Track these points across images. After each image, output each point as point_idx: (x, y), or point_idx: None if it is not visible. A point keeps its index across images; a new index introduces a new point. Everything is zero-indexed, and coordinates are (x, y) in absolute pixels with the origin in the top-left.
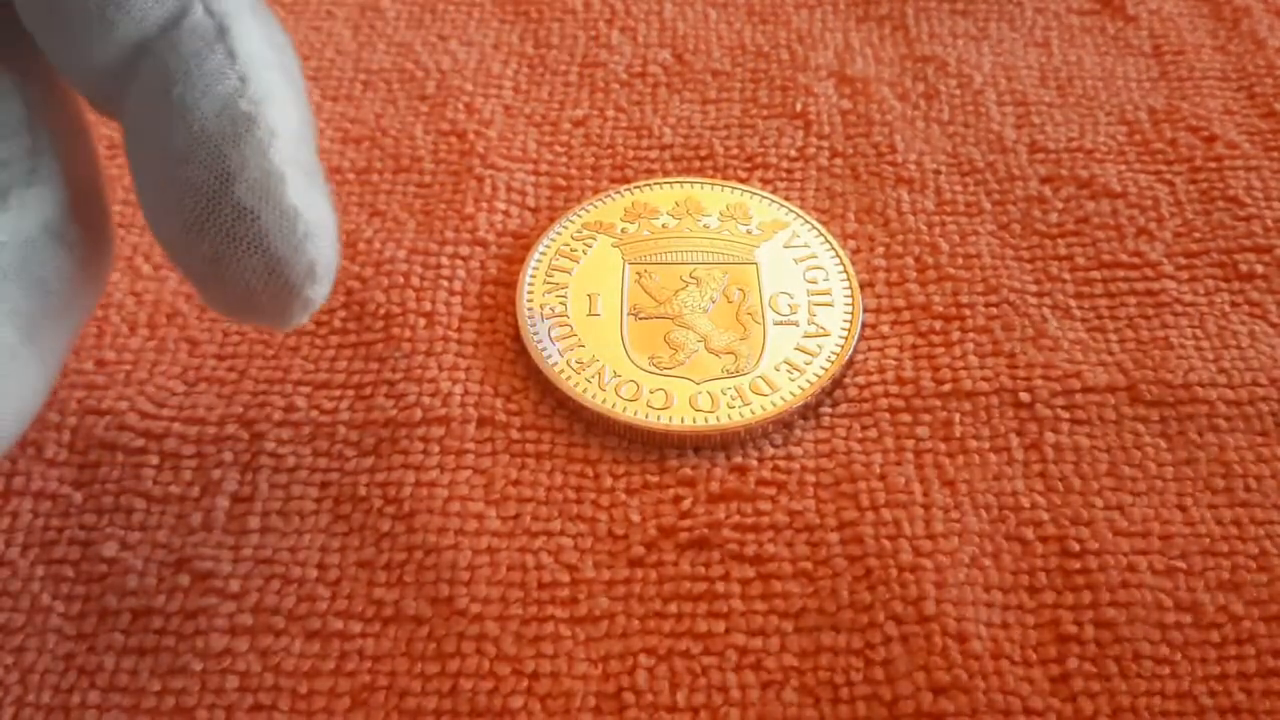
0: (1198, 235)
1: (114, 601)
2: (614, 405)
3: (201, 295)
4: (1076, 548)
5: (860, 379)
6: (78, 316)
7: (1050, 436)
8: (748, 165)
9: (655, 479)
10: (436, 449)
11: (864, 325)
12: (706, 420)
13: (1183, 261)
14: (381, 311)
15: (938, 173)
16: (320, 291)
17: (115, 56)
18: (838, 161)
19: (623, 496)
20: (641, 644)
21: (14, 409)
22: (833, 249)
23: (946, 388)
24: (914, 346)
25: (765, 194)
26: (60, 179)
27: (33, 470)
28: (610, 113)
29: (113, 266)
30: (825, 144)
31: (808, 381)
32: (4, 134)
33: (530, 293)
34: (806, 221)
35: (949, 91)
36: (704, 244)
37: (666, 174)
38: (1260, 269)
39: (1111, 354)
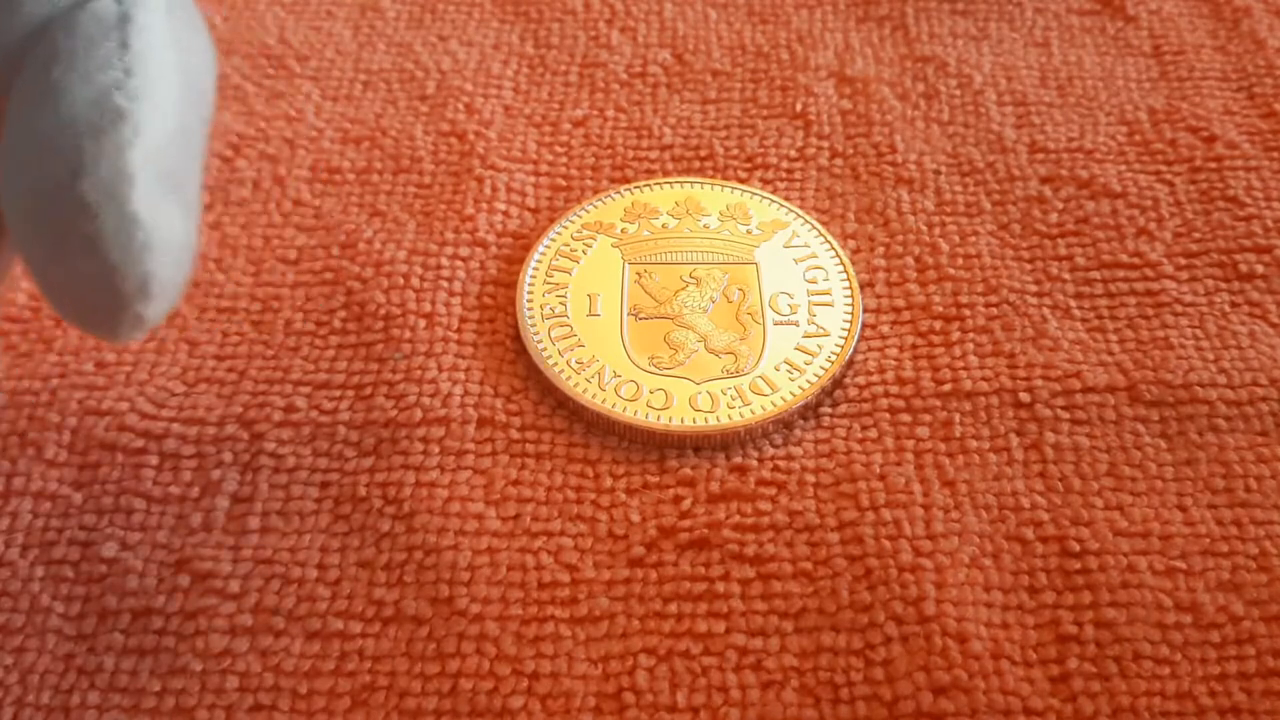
0: (1198, 235)
1: (114, 602)
2: (614, 405)
3: (44, 296)
4: (1076, 548)
5: (860, 379)
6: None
7: (1050, 436)
8: (748, 165)
9: (655, 479)
10: (436, 449)
11: (864, 325)
12: (706, 420)
13: (1183, 262)
14: (381, 312)
15: (938, 173)
16: (153, 309)
17: (18, 37)
18: (838, 161)
19: (623, 496)
20: (641, 644)
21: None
22: (833, 249)
23: (946, 388)
24: (914, 346)
25: (765, 194)
26: None
27: (33, 471)
28: (610, 113)
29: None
30: (825, 144)
31: (808, 381)
32: None
33: (530, 293)
34: (806, 221)
35: (949, 91)
36: (704, 244)
37: (666, 174)
38: (1260, 269)
39: (1111, 354)
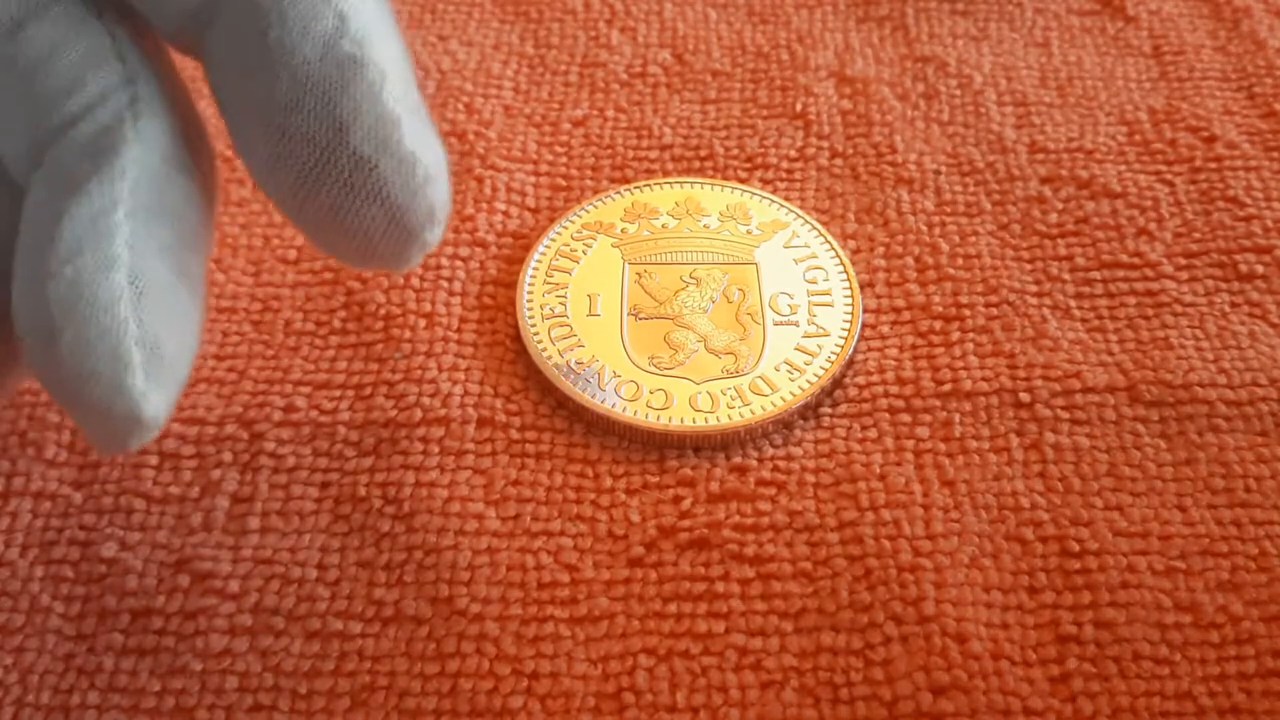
0: (1197, 235)
1: (113, 602)
2: (614, 405)
3: (314, 243)
4: (1076, 548)
5: (860, 379)
6: (206, 246)
7: (1050, 437)
8: (748, 165)
9: (655, 479)
10: (436, 449)
11: (864, 325)
12: (706, 420)
13: (1183, 262)
14: (381, 312)
15: (938, 173)
16: (438, 234)
17: None
18: (838, 162)
19: (623, 496)
20: (641, 644)
21: (185, 345)
22: (833, 249)
23: (946, 388)
24: (914, 347)
25: (765, 194)
26: (162, 106)
27: (32, 471)
28: (610, 113)
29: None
30: (825, 144)
31: (808, 382)
32: (95, 62)
33: (530, 293)
34: (806, 222)
35: (949, 92)
36: (704, 244)
37: (666, 174)
38: (1260, 269)
39: (1111, 354)
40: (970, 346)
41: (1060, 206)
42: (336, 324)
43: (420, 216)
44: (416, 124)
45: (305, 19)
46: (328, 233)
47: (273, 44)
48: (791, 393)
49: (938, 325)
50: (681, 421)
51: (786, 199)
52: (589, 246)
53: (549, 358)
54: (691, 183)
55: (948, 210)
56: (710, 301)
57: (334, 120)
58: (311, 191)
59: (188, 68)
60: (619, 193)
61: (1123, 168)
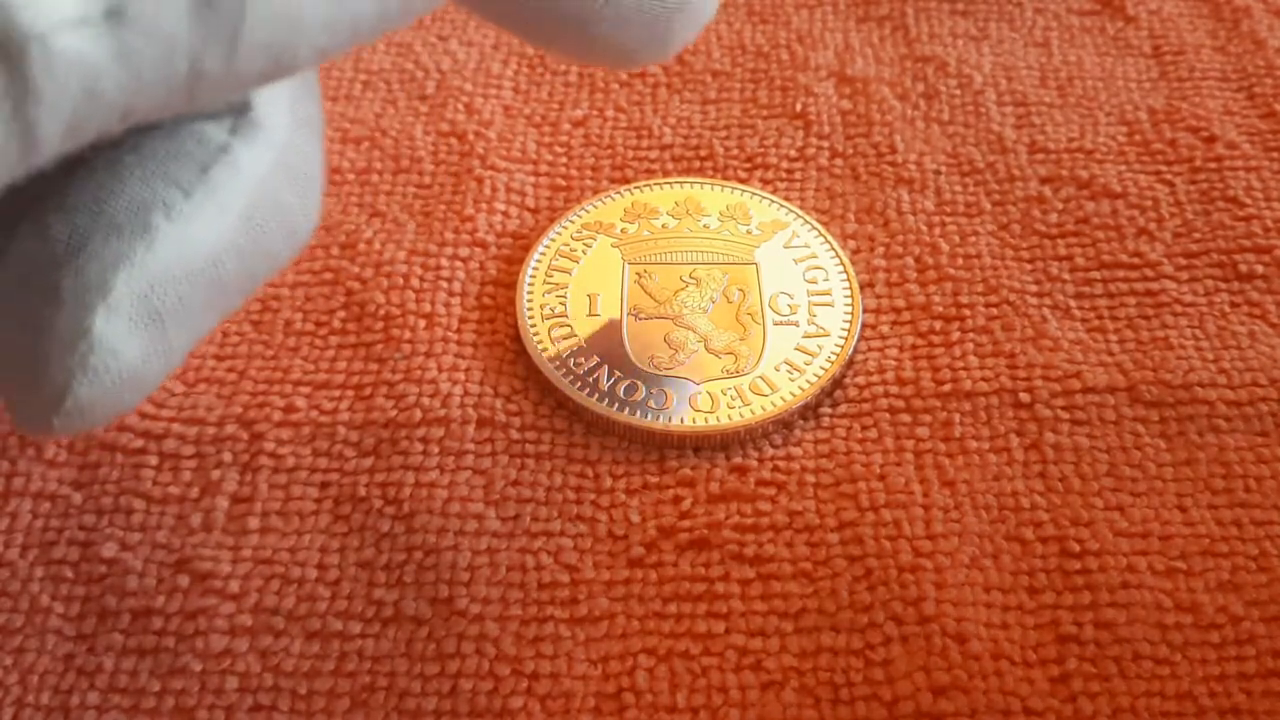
0: (1197, 236)
1: (113, 602)
2: (614, 405)
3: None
4: (1076, 548)
5: (860, 379)
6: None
7: (1050, 437)
8: (748, 165)
9: (655, 479)
10: (436, 449)
11: (864, 325)
12: (706, 420)
13: (1182, 262)
14: (381, 312)
15: (938, 173)
16: (65, 422)
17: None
18: (838, 162)
19: (623, 497)
20: (641, 644)
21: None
22: (833, 249)
23: (946, 388)
24: (914, 347)
25: (765, 194)
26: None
27: (32, 471)
28: (610, 113)
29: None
30: (825, 144)
31: (808, 382)
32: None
33: (530, 293)
34: (806, 222)
35: (949, 92)
36: (704, 244)
37: (666, 174)
38: (1260, 269)
39: (1111, 354)
40: (970, 346)
41: (1060, 206)
42: (336, 324)
43: (50, 390)
44: (134, 320)
45: (159, 174)
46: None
47: (123, 165)
48: (791, 393)
49: (938, 325)
50: (681, 421)
51: (786, 199)
52: (589, 246)
53: (549, 358)
54: (691, 183)
55: (948, 210)
56: (710, 301)
57: (91, 251)
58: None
59: None
60: (619, 193)
61: (1123, 168)
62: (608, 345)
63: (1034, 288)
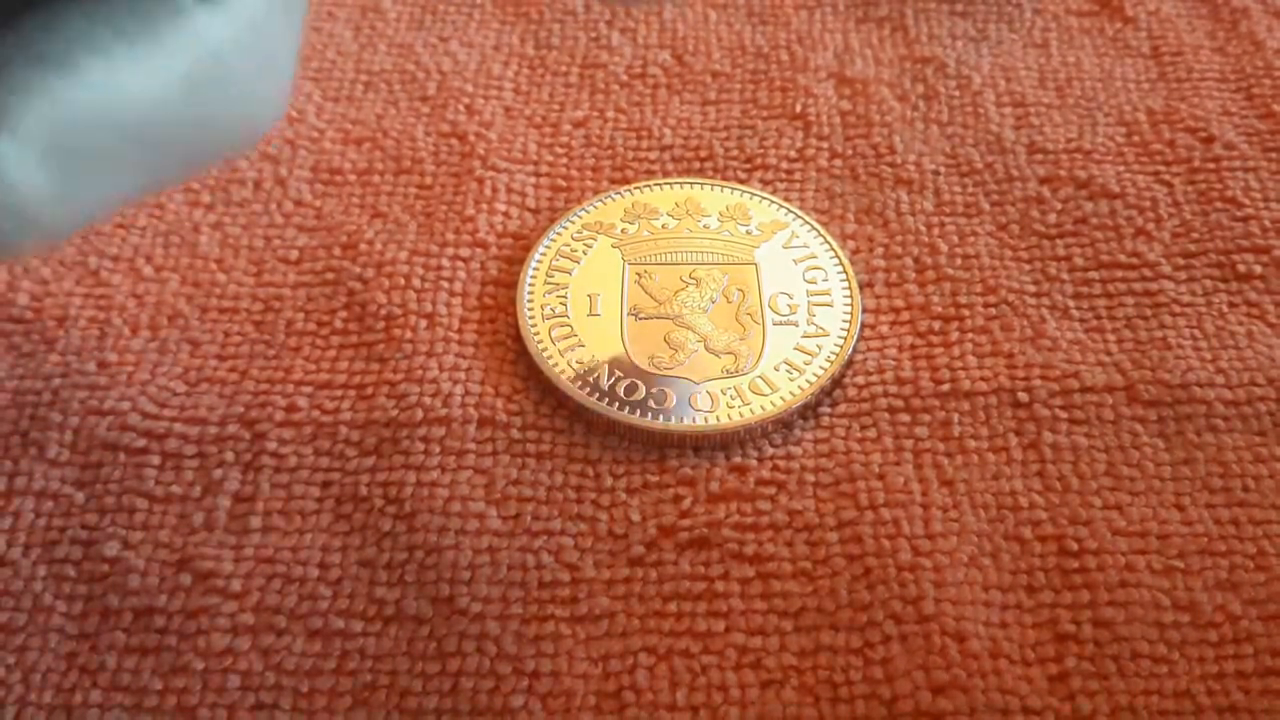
0: (1196, 236)
1: (116, 601)
2: (614, 405)
3: None
4: (1075, 547)
5: (859, 379)
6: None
7: (1048, 436)
8: (747, 166)
9: (655, 479)
10: (437, 449)
11: (863, 325)
12: (706, 420)
13: (1181, 262)
14: (383, 313)
15: (937, 173)
16: None
17: None
18: (837, 162)
19: (623, 496)
20: (641, 643)
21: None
22: (832, 249)
23: (945, 388)
24: (913, 346)
25: (765, 195)
26: None
27: (35, 470)
28: (610, 114)
29: None
30: (825, 145)
31: (807, 381)
32: None
33: (531, 293)
34: (806, 222)
35: (948, 93)
36: (704, 244)
37: (666, 175)
38: (1258, 269)
39: (1110, 354)
40: (969, 346)
41: (1059, 207)
42: (338, 324)
43: None
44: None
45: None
46: None
47: None
48: (791, 392)
49: (937, 325)
50: (681, 421)
51: (786, 199)
52: (589, 247)
53: (549, 358)
54: (691, 183)
55: (946, 211)
56: (710, 301)
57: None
58: None
59: None
60: (619, 193)
61: (1121, 168)
62: (608, 345)
63: (1032, 288)
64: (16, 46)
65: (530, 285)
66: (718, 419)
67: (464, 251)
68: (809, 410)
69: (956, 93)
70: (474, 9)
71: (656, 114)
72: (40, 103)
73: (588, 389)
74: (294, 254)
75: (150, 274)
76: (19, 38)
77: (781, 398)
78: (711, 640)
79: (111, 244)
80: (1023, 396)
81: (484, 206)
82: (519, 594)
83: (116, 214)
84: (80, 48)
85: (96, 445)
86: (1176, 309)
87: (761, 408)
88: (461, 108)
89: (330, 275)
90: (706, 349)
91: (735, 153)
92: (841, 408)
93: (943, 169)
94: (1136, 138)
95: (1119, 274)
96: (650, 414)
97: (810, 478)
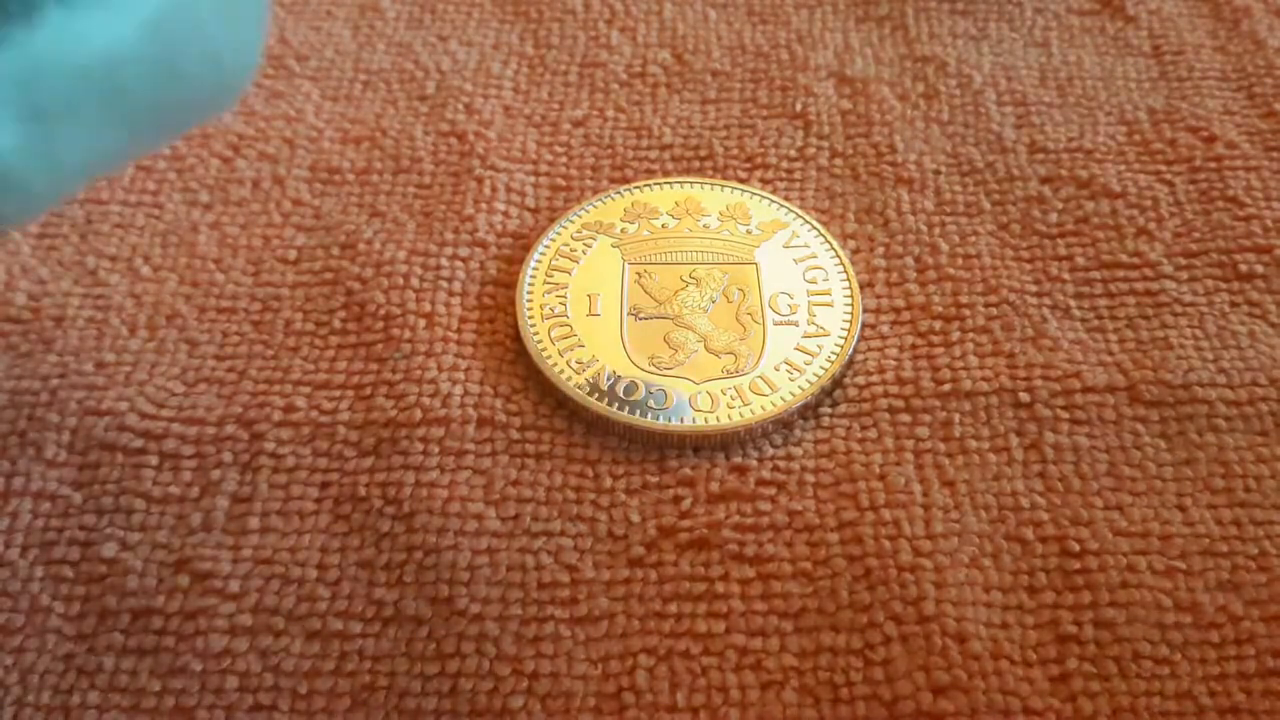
0: (1197, 235)
1: (114, 602)
2: (614, 405)
3: None
4: (1076, 548)
5: (860, 379)
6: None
7: (1050, 436)
8: (748, 165)
9: (655, 479)
10: (436, 449)
11: (864, 325)
12: (706, 420)
13: (1182, 262)
14: (381, 312)
15: (937, 173)
16: None
17: None
18: (838, 162)
19: (623, 496)
20: (641, 644)
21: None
22: (832, 249)
23: (946, 388)
24: (914, 346)
25: (765, 194)
26: None
27: (32, 471)
28: (610, 113)
29: None
30: (825, 144)
31: (808, 381)
32: None
33: (530, 293)
34: (806, 222)
35: (949, 92)
36: (704, 244)
37: (666, 174)
38: (1260, 269)
39: (1111, 354)
40: (970, 346)
41: (1060, 206)
42: (336, 324)
43: None
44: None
45: None
46: None
47: None
48: (791, 393)
49: (937, 325)
50: (681, 421)
51: (786, 199)
52: (589, 246)
53: (549, 358)
54: (691, 183)
55: (947, 210)
56: (710, 301)
57: None
58: None
59: None
60: (619, 193)
61: (1122, 168)
62: (608, 345)
63: (1034, 287)
64: None
65: (530, 285)
66: (718, 419)
67: (463, 251)
68: (809, 410)
69: (957, 92)
70: (473, 8)
71: (656, 113)
72: (3, 56)
73: (587, 389)
74: (292, 254)
75: (148, 274)
76: None
77: (782, 398)
78: (711, 641)
79: (109, 244)
80: (1024, 397)
81: (483, 206)
82: (518, 595)
83: (114, 215)
84: None
85: (94, 446)
86: (1178, 309)
87: (762, 408)
88: (460, 107)
89: (329, 275)
90: (706, 349)
91: (735, 152)
92: (842, 408)
93: (944, 168)
94: (1138, 137)
95: (1120, 274)
96: (650, 414)
97: (811, 478)
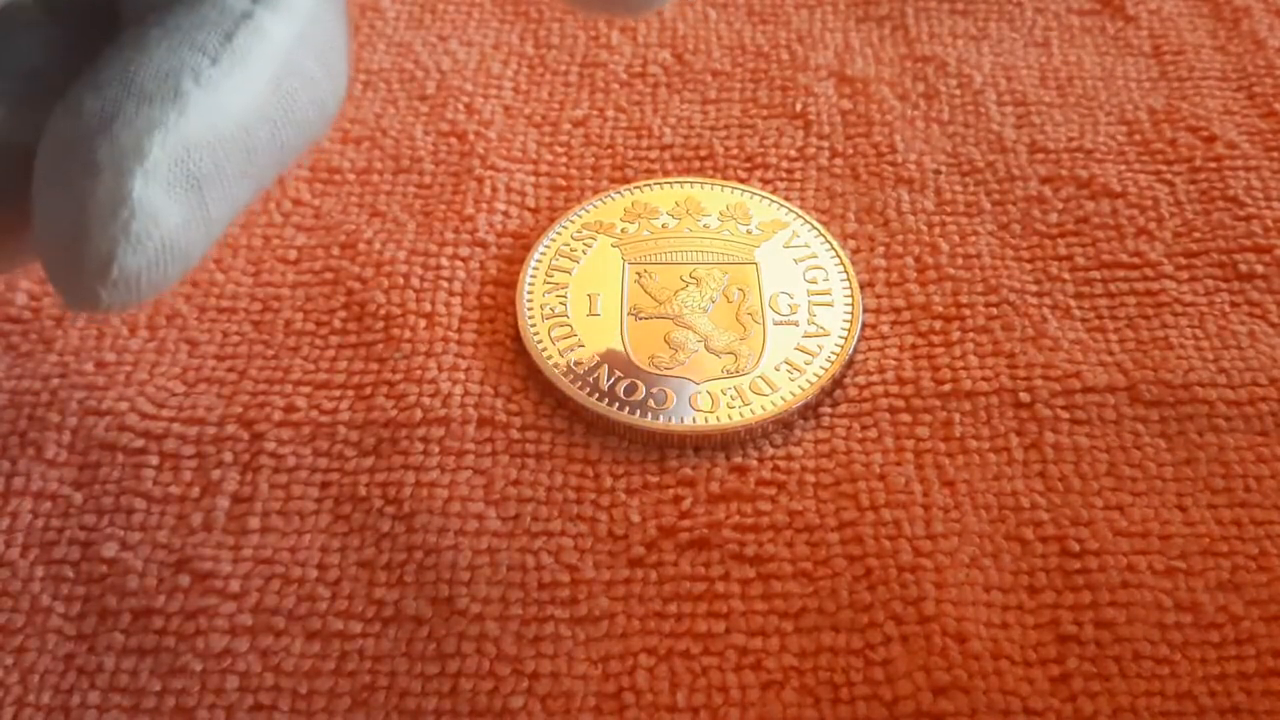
0: (1197, 235)
1: (114, 602)
2: (614, 405)
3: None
4: (1076, 548)
5: (860, 379)
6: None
7: (1050, 436)
8: (748, 165)
9: (655, 479)
10: (437, 449)
11: (864, 325)
12: (706, 420)
13: (1182, 261)
14: (382, 312)
15: (938, 173)
16: (110, 295)
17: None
18: (838, 161)
19: (623, 496)
20: (641, 644)
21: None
22: (833, 249)
23: (946, 388)
24: (914, 346)
25: (765, 194)
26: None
27: (33, 471)
28: (610, 113)
29: None
30: (825, 144)
31: (808, 381)
32: None
33: (530, 293)
34: (806, 221)
35: (949, 91)
36: (704, 244)
37: (666, 174)
38: (1260, 269)
39: (1111, 354)
40: (970, 346)
41: (1060, 206)
42: (337, 324)
43: (95, 258)
44: (172, 185)
45: (185, 44)
46: (37, 208)
47: (147, 39)
48: (791, 392)
49: (938, 325)
50: (681, 421)
51: (786, 199)
52: (589, 246)
53: (549, 358)
54: (691, 183)
55: (948, 210)
56: (710, 301)
57: (109, 113)
58: (48, 160)
59: None
60: (619, 193)
61: (1122, 167)
62: (608, 345)
63: (1034, 287)
64: (120, 87)
65: (530, 285)
66: (718, 419)
67: (463, 251)
68: (809, 410)
69: (957, 92)
70: (473, 8)
71: (656, 113)
72: (161, 138)
73: (587, 389)
74: (292, 253)
75: None
76: (119, 79)
77: (782, 398)
78: (712, 641)
79: None
80: (1024, 396)
81: (483, 206)
82: (518, 595)
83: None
84: (179, 77)
85: (94, 445)
86: (1178, 309)
87: (762, 408)
88: (461, 107)
89: (329, 275)
90: (707, 349)
91: (735, 152)
92: (842, 408)
93: (944, 168)
94: (1138, 137)
95: (1120, 273)
96: (650, 414)
97: (811, 478)
